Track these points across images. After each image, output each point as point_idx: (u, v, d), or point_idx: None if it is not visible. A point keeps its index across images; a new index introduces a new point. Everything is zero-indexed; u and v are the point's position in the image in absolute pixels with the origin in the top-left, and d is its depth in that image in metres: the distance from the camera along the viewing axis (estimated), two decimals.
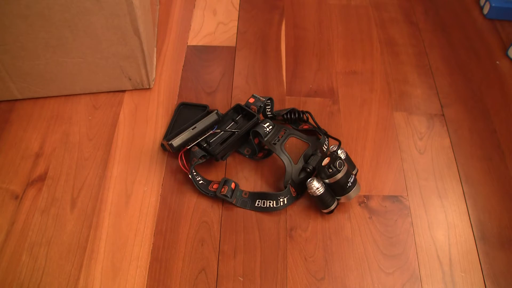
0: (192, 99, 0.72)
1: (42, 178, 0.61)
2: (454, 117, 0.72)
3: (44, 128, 0.67)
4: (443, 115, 0.72)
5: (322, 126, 0.69)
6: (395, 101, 0.74)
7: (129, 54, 0.65)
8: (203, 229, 0.58)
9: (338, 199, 0.58)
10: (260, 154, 0.65)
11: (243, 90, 0.74)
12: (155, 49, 0.78)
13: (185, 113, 0.69)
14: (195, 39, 0.81)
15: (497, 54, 0.82)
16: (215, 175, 0.63)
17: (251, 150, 0.65)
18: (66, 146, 0.65)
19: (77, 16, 0.58)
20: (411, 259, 0.57)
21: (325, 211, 0.59)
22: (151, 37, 0.74)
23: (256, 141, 0.63)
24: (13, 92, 0.68)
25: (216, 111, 0.63)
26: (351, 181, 0.56)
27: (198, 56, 0.79)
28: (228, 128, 0.63)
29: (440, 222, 0.60)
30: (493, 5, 0.87)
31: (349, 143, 0.68)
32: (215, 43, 0.81)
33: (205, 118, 0.62)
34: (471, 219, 0.61)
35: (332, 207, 0.58)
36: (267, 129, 0.61)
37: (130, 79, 0.70)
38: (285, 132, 0.62)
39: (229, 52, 0.80)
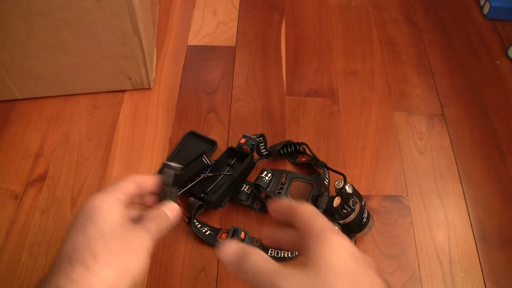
0: (192, 99, 0.72)
1: (42, 178, 0.61)
2: (454, 117, 0.72)
3: (44, 128, 0.67)
4: (443, 115, 0.72)
5: (322, 126, 0.69)
6: (395, 101, 0.74)
7: (129, 54, 0.65)
8: None
9: (353, 236, 0.55)
10: None
11: (243, 90, 0.74)
12: (155, 49, 0.78)
13: (191, 143, 0.66)
14: (195, 39, 0.81)
15: (497, 54, 0.82)
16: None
17: (260, 204, 0.59)
18: (66, 146, 0.65)
19: (77, 16, 0.58)
20: (411, 259, 0.57)
21: None
22: (151, 37, 0.74)
23: (263, 195, 0.58)
24: (13, 92, 0.68)
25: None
26: (366, 216, 0.54)
27: (198, 56, 0.79)
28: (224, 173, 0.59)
29: (440, 222, 0.60)
30: (493, 5, 0.87)
31: (349, 143, 0.68)
32: (215, 43, 0.81)
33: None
34: (471, 219, 0.61)
35: None
36: (267, 179, 0.58)
37: (130, 79, 0.70)
38: (286, 178, 0.59)
39: (229, 52, 0.79)
